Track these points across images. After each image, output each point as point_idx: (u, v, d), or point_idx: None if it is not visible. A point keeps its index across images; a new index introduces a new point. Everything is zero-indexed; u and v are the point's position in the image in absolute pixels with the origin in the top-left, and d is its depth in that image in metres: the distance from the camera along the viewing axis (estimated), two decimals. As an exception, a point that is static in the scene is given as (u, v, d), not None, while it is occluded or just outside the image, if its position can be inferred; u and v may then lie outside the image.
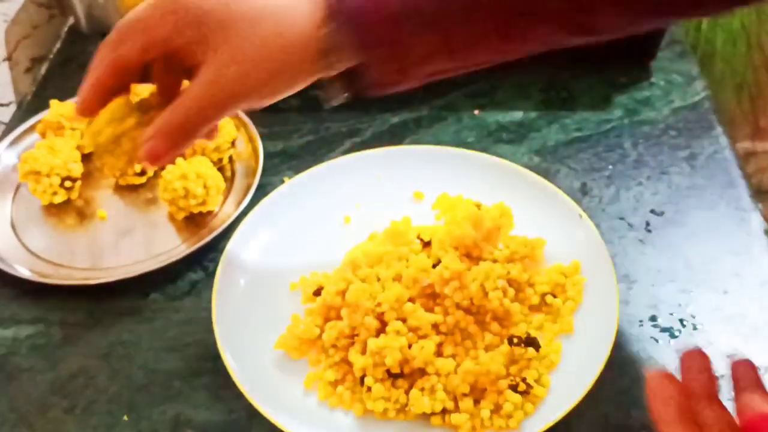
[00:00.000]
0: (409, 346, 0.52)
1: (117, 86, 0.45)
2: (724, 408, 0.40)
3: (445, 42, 0.44)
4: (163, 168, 0.65)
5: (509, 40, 0.45)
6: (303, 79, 0.45)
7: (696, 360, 0.42)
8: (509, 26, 0.44)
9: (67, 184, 0.68)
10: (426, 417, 0.52)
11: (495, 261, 0.59)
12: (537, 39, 0.46)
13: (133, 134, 0.44)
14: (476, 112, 0.75)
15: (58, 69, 0.86)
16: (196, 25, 0.42)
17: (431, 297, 0.55)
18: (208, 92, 0.43)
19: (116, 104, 0.45)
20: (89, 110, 0.46)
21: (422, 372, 0.53)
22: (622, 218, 0.65)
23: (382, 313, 0.53)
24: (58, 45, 0.89)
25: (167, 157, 0.44)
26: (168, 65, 0.45)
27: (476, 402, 0.52)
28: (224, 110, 0.44)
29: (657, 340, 0.57)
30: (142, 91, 0.46)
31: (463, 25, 0.44)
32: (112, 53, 0.44)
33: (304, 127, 0.75)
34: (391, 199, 0.66)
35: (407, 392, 0.52)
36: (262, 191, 0.66)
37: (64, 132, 0.71)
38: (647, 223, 0.65)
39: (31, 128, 0.74)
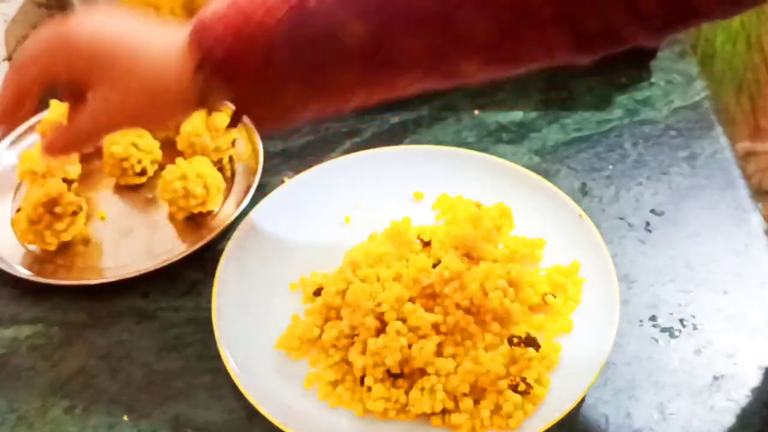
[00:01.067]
0: (409, 346, 0.52)
1: (27, 102, 0.52)
2: None
3: (311, 91, 0.49)
4: (162, 168, 0.67)
5: (376, 88, 0.49)
6: (182, 111, 0.53)
7: None
8: (373, 77, 0.48)
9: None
10: (426, 417, 0.52)
11: (495, 261, 0.59)
12: (405, 86, 0.49)
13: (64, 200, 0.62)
14: (476, 112, 0.75)
15: (58, 69, 0.85)
16: (84, 60, 0.49)
17: (431, 297, 0.55)
18: (95, 117, 0.50)
19: (53, 184, 0.60)
20: (5, 120, 0.53)
21: (422, 372, 0.53)
22: (622, 218, 0.65)
23: (382, 313, 0.53)
24: (58, 45, 0.88)
25: (59, 155, 0.54)
26: (72, 89, 0.52)
27: (476, 402, 0.52)
28: (107, 132, 0.54)
29: (657, 340, 0.57)
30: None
31: (325, 76, 0.48)
32: (17, 76, 0.51)
33: (304, 127, 0.75)
34: (391, 199, 0.66)
35: (407, 392, 0.52)
36: (262, 191, 0.66)
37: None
38: (647, 223, 0.65)
39: (31, 128, 0.74)
